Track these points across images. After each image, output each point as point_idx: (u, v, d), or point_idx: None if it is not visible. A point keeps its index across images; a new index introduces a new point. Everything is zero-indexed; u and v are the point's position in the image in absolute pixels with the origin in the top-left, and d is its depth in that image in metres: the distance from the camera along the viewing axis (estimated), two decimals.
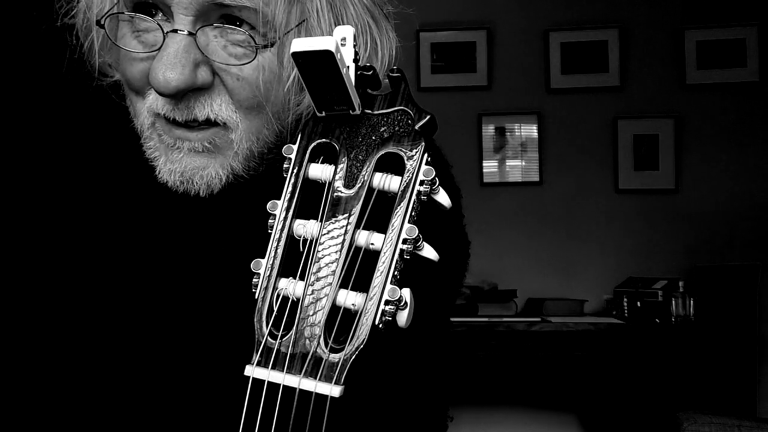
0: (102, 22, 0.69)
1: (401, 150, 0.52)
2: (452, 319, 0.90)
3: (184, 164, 0.70)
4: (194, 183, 0.70)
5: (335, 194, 0.52)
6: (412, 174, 0.51)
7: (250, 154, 0.72)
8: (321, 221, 0.52)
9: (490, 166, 3.46)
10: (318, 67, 0.49)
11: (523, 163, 3.45)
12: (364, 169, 0.52)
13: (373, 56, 0.74)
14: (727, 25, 3.34)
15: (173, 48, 0.65)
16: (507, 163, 3.46)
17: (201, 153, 0.70)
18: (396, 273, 0.50)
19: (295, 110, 0.71)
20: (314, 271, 0.51)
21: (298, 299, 0.51)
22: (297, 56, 0.48)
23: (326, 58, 0.48)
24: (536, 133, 3.43)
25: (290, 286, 0.52)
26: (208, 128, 0.70)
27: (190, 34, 0.65)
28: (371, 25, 0.73)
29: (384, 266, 0.50)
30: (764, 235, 3.24)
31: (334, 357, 0.50)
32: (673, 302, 2.88)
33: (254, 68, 0.68)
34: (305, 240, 0.52)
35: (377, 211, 0.51)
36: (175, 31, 0.65)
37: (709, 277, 3.05)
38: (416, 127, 0.52)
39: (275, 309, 0.52)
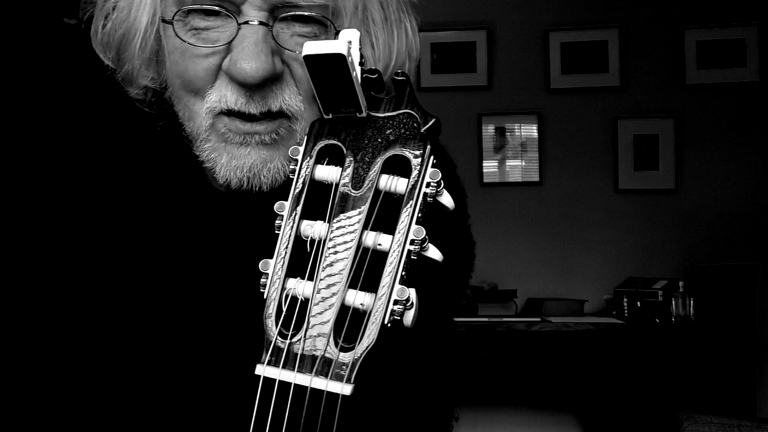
0: (171, 19, 0.69)
1: (408, 152, 0.53)
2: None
3: (252, 158, 0.70)
4: (261, 178, 0.70)
5: (342, 195, 0.53)
6: (419, 176, 0.52)
7: None
8: (329, 222, 0.52)
9: (490, 166, 3.46)
10: (328, 70, 0.49)
11: (523, 163, 3.45)
12: (371, 170, 0.53)
13: (413, 52, 0.75)
14: (727, 25, 3.34)
15: (253, 38, 0.66)
16: (507, 163, 3.46)
17: (268, 145, 0.70)
18: (404, 273, 0.51)
19: None
20: (322, 271, 0.52)
21: (306, 299, 0.52)
22: (309, 59, 0.49)
23: (338, 61, 0.49)
24: (536, 133, 3.43)
25: (298, 286, 0.52)
26: (274, 120, 0.70)
27: (264, 24, 0.66)
28: (405, 22, 0.74)
29: (392, 266, 0.51)
30: (764, 235, 3.24)
31: (344, 356, 0.51)
32: (673, 302, 2.88)
33: None
34: (312, 240, 0.53)
35: (383, 213, 0.52)
36: (246, 23, 0.66)
37: (709, 277, 3.05)
38: (422, 130, 0.53)
39: (284, 309, 0.52)
